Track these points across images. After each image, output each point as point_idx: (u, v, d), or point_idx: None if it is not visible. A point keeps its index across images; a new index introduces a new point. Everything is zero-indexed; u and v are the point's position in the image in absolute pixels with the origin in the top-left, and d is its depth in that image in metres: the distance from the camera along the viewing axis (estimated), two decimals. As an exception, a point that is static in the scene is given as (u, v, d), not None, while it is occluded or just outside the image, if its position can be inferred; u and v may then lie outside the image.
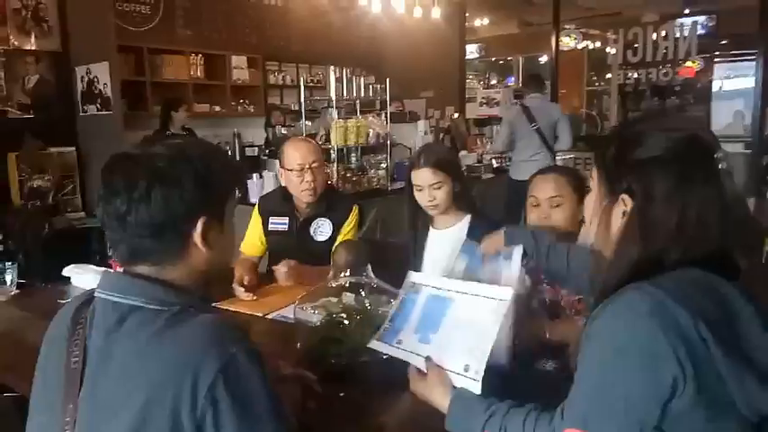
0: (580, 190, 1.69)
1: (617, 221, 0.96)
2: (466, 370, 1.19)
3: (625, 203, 0.94)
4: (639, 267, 0.90)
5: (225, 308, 1.94)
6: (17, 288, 2.14)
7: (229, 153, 5.88)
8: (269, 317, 1.85)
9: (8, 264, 2.13)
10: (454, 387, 1.18)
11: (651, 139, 0.92)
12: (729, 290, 0.89)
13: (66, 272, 2.24)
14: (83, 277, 2.15)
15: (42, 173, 4.40)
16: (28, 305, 2.00)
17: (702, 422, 0.84)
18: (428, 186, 1.98)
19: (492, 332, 1.21)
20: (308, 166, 2.18)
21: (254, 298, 2.01)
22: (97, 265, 2.23)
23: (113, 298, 0.88)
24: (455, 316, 1.29)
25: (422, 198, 2.01)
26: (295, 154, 2.20)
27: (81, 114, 4.83)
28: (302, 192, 2.23)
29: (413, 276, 1.45)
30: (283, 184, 2.32)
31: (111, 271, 0.94)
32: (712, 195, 0.89)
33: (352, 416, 1.24)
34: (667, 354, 0.82)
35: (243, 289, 2.02)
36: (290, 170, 2.21)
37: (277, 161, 2.41)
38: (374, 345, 1.32)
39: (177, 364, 0.80)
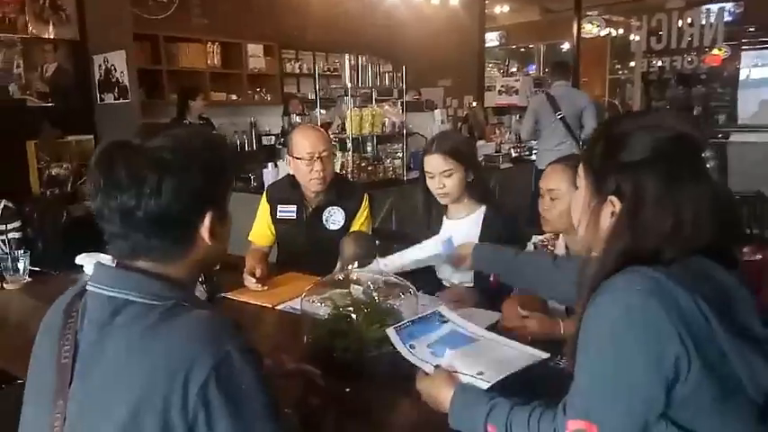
0: None
1: (605, 222, 0.95)
2: (479, 374, 1.16)
3: (613, 204, 0.93)
4: (631, 260, 0.89)
5: (234, 298, 1.93)
6: (29, 276, 2.14)
7: (246, 142, 5.89)
8: (278, 308, 1.84)
9: (20, 252, 2.14)
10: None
11: (636, 140, 0.91)
12: (726, 276, 0.88)
13: (78, 260, 2.24)
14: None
15: (60, 161, 4.44)
16: (39, 293, 2.00)
17: (708, 403, 0.83)
18: (439, 173, 1.95)
19: (516, 365, 1.20)
20: (317, 155, 2.15)
21: (265, 288, 1.99)
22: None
23: (107, 292, 0.85)
24: (476, 349, 1.28)
25: (432, 185, 1.98)
26: (304, 142, 2.16)
27: (99, 103, 4.86)
28: (311, 181, 2.19)
29: (443, 309, 1.44)
30: (291, 172, 2.28)
31: (104, 263, 0.90)
32: (704, 192, 0.89)
33: (357, 412, 1.22)
34: (669, 331, 0.81)
35: (254, 280, 2.00)
36: (300, 158, 2.17)
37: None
38: (390, 332, 1.29)
39: (169, 361, 0.77)
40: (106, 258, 0.94)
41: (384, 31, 7.00)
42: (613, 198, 0.92)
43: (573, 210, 1.05)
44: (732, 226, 0.96)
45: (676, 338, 0.80)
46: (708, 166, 0.93)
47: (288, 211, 2.30)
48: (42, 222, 3.99)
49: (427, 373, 1.19)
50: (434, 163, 1.95)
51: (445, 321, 1.40)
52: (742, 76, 6.74)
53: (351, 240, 1.45)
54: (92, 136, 4.67)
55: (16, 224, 3.33)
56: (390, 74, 4.57)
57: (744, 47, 6.70)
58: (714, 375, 0.82)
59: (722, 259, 0.90)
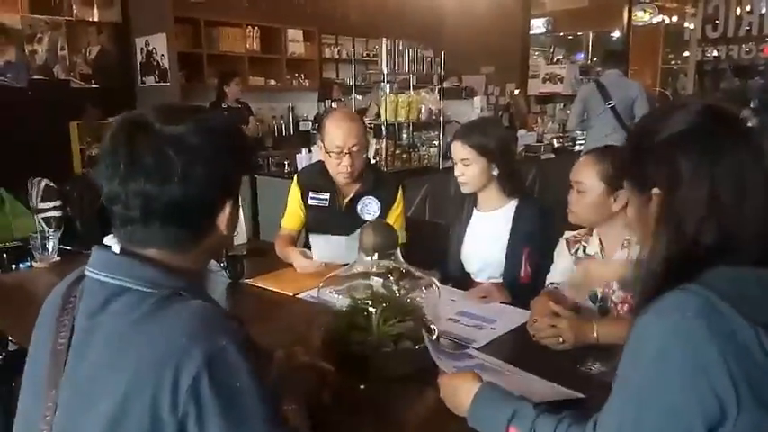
0: (611, 180, 1.55)
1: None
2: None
3: (657, 197, 0.85)
4: (678, 257, 0.81)
5: (255, 284, 1.91)
6: (59, 255, 2.16)
7: (283, 127, 5.90)
8: (299, 296, 1.80)
9: (50, 231, 2.15)
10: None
11: (665, 123, 0.84)
12: None
13: (107, 240, 2.25)
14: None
15: (102, 142, 4.51)
16: (66, 272, 2.00)
17: None
18: (459, 161, 1.91)
19: (549, 397, 1.13)
20: (346, 151, 2.08)
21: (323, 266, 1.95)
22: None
23: (101, 277, 0.81)
24: (507, 380, 1.21)
25: (455, 171, 1.95)
26: (337, 132, 2.09)
27: (140, 85, 4.92)
28: (338, 174, 2.14)
29: (472, 351, 1.40)
30: (322, 157, 2.23)
31: (102, 248, 0.87)
32: (746, 162, 0.80)
33: (370, 410, 1.16)
34: (717, 361, 0.71)
35: (307, 260, 1.99)
36: (329, 151, 2.12)
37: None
38: (425, 334, 1.26)
39: (160, 355, 0.73)
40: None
41: (427, 16, 6.87)
42: (655, 190, 0.85)
43: (634, 229, 0.97)
44: None
45: (724, 370, 0.71)
46: (749, 124, 0.84)
47: (320, 199, 2.25)
48: (81, 202, 4.07)
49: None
50: (455, 149, 1.93)
51: (473, 357, 1.36)
52: (804, 67, 6.37)
53: (370, 230, 1.39)
54: (132, 119, 4.74)
55: (56, 203, 3.40)
56: (430, 59, 4.47)
57: (808, 36, 6.31)
58: None
59: None
